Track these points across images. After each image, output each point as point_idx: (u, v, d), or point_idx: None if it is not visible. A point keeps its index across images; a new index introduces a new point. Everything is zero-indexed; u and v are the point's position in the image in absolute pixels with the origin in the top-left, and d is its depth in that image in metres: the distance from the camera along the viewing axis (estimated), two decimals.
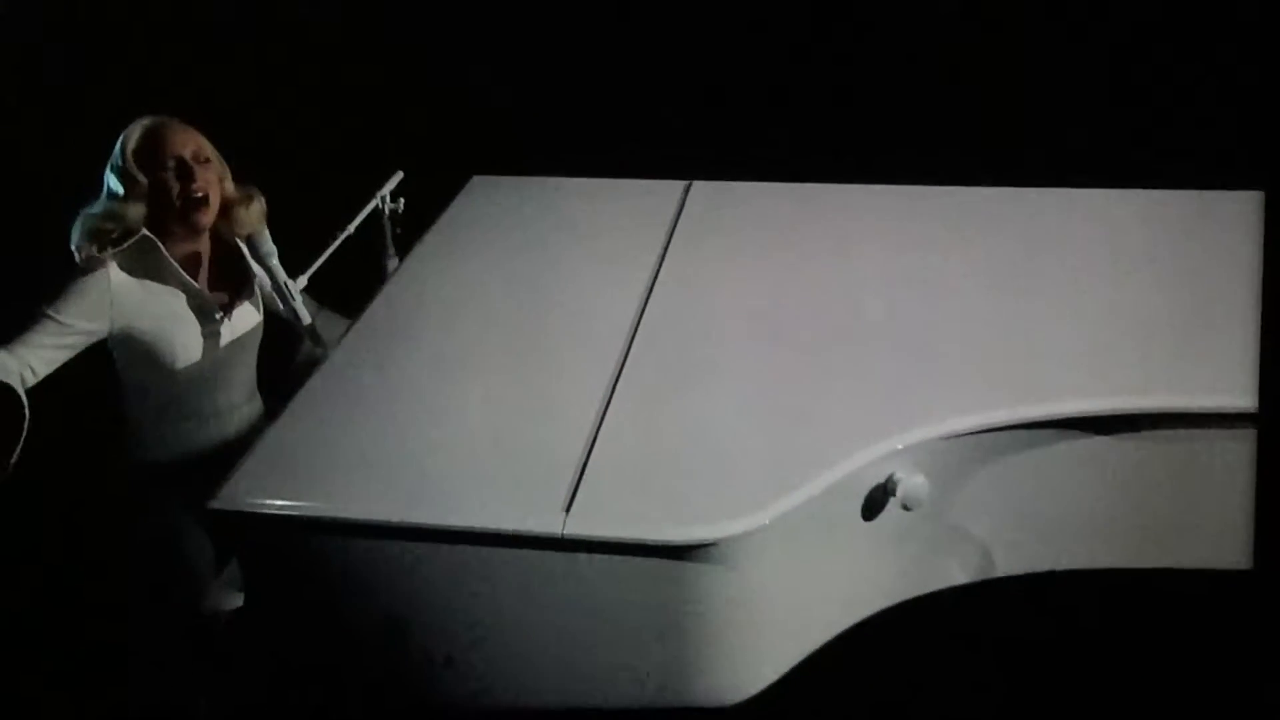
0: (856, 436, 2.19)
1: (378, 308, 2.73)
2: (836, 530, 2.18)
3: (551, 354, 2.51)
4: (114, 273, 2.53)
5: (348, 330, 2.66)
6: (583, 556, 2.02)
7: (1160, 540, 2.36)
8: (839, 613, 2.25)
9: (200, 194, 2.57)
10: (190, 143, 2.59)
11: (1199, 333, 2.45)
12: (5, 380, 2.36)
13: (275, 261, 2.62)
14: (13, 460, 2.32)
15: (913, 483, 2.17)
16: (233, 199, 2.67)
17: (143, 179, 2.55)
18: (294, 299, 2.61)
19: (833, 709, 2.49)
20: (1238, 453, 2.26)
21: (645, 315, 2.61)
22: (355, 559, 2.10)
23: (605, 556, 2.02)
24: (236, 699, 2.31)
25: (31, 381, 2.44)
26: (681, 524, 2.02)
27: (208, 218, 2.61)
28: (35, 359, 2.44)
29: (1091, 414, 2.27)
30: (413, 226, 3.05)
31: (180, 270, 2.59)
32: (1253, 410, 2.07)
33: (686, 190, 3.15)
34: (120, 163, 2.56)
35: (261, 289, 2.74)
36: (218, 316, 2.64)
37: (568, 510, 2.05)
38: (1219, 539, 2.29)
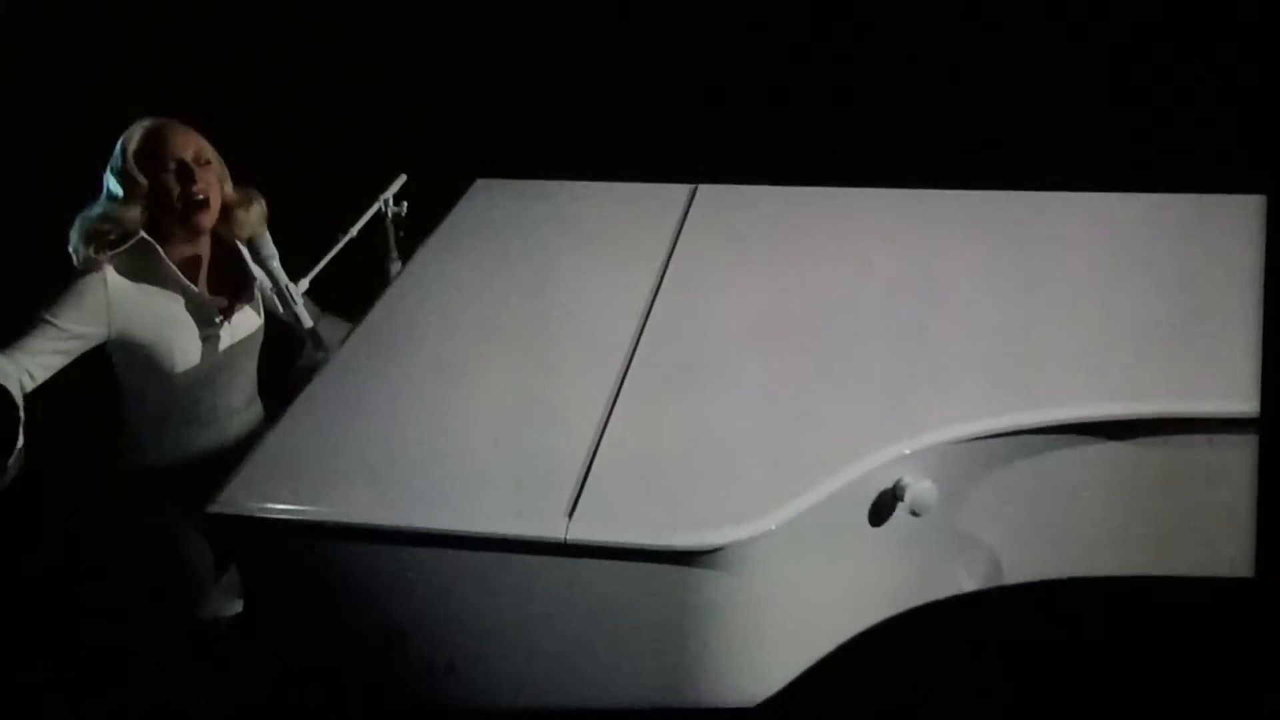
0: (863, 441, 2.18)
1: (380, 311, 2.72)
2: (843, 536, 2.17)
3: (554, 357, 2.50)
4: (112, 276, 2.52)
5: (349, 334, 2.65)
6: (585, 562, 2.00)
7: (1170, 547, 2.35)
8: (846, 620, 2.23)
9: (201, 196, 2.56)
10: (191, 144, 2.58)
11: (1205, 337, 2.44)
12: (3, 384, 2.34)
13: (276, 264, 2.61)
14: (10, 465, 2.31)
15: (921, 488, 2.16)
16: (234, 201, 2.65)
17: (143, 181, 2.54)
18: (295, 302, 2.60)
19: (839, 718, 2.48)
20: (1244, 458, 2.25)
21: (650, 319, 2.60)
22: (355, 564, 2.09)
23: (608, 562, 2.00)
24: (236, 703, 2.29)
25: (30, 386, 2.42)
26: (686, 529, 2.01)
27: (208, 220, 2.60)
28: (33, 364, 2.43)
29: (1103, 419, 2.26)
30: (416, 230, 3.04)
31: (179, 273, 2.58)
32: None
33: (692, 194, 3.15)
34: (120, 164, 2.55)
35: (262, 292, 2.72)
36: (217, 320, 2.62)
37: (570, 515, 2.03)
38: (1226, 545, 2.28)
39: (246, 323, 2.70)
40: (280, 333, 2.77)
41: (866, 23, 3.74)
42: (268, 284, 2.66)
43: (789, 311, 2.62)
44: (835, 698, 2.28)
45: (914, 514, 2.18)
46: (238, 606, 2.24)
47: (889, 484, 2.18)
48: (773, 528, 2.03)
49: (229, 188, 2.65)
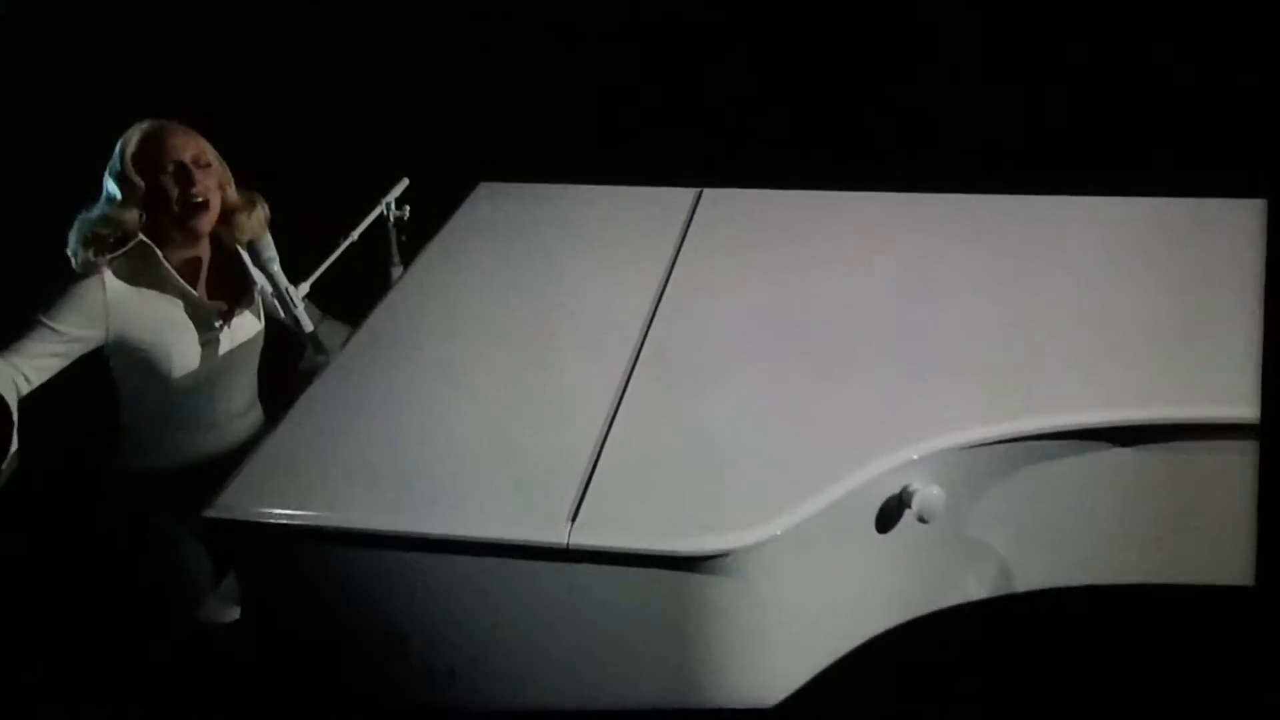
0: (869, 446, 2.16)
1: (381, 314, 2.71)
2: (849, 542, 2.15)
3: (557, 361, 2.48)
4: (110, 279, 2.50)
5: (350, 337, 2.64)
6: (587, 567, 1.98)
7: (1174, 553, 2.33)
8: (852, 626, 2.21)
9: (200, 199, 2.54)
10: (191, 146, 2.56)
11: (1211, 341, 2.43)
12: None
13: (277, 268, 2.59)
14: (3, 469, 2.29)
15: (928, 494, 2.14)
16: (234, 204, 2.64)
17: (141, 183, 2.52)
18: (295, 306, 2.58)
19: None
20: (1247, 465, 2.23)
21: (654, 322, 2.59)
22: (355, 569, 2.07)
23: (611, 567, 1.98)
24: (235, 707, 2.28)
25: (25, 390, 2.40)
26: (690, 534, 1.98)
27: (207, 223, 2.58)
28: (29, 367, 2.41)
29: (1111, 424, 2.24)
30: (418, 234, 3.03)
31: (177, 277, 2.56)
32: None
33: (697, 198, 3.14)
34: (119, 167, 2.53)
35: (263, 296, 2.71)
36: (216, 324, 2.60)
37: (573, 520, 2.01)
38: (1228, 552, 2.26)
39: (247, 327, 2.68)
40: (281, 337, 2.75)
41: (873, 28, 3.75)
42: (268, 287, 2.64)
43: (794, 315, 2.62)
44: (842, 705, 2.26)
45: (921, 520, 2.16)
46: (235, 613, 2.21)
47: (896, 490, 2.16)
48: (778, 533, 2.01)
49: (231, 191, 2.63)
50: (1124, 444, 2.26)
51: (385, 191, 2.98)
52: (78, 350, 2.48)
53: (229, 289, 2.67)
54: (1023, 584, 2.34)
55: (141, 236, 2.52)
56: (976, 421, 2.22)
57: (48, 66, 3.58)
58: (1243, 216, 2.79)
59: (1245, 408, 2.19)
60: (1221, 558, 2.26)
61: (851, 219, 3.03)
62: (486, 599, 2.03)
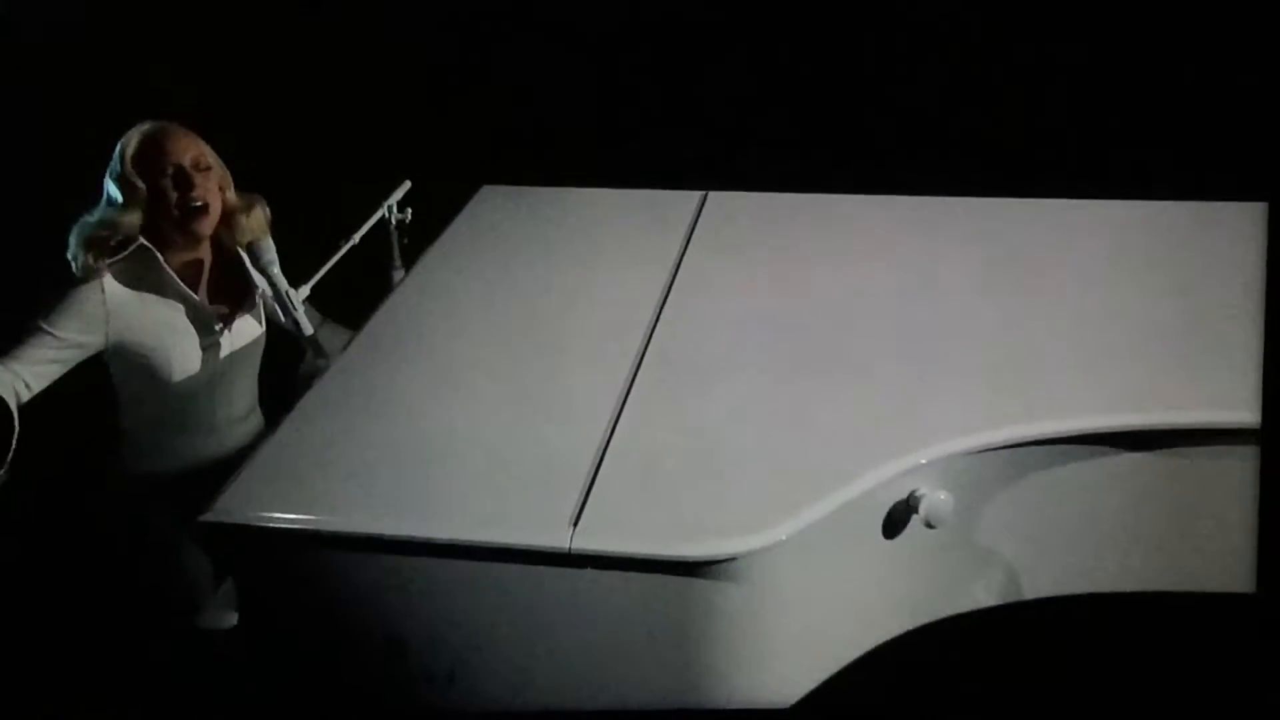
0: (876, 450, 2.15)
1: (382, 317, 2.69)
2: (856, 547, 2.13)
3: (560, 365, 2.47)
4: (110, 284, 2.49)
5: (351, 340, 2.62)
6: (590, 572, 1.96)
7: (1183, 561, 2.32)
8: (859, 633, 2.19)
9: (200, 202, 2.53)
10: (190, 149, 2.55)
11: (1215, 346, 2.42)
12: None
13: (276, 270, 2.57)
14: (1, 475, 2.27)
15: (936, 499, 2.12)
16: (235, 207, 2.63)
17: (141, 186, 2.51)
18: (295, 309, 2.56)
19: None
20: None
21: (658, 325, 2.57)
22: (355, 574, 2.05)
23: (614, 572, 1.96)
24: (234, 713, 2.26)
25: (26, 396, 2.39)
26: (695, 539, 1.96)
27: (207, 226, 2.57)
28: (29, 374, 2.40)
29: (1122, 429, 2.23)
30: (420, 237, 3.02)
31: (178, 281, 2.55)
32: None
33: (703, 201, 3.14)
34: (119, 169, 2.52)
35: (264, 300, 2.69)
36: (217, 328, 2.59)
37: (575, 524, 1.99)
38: (1229, 560, 2.26)
39: (247, 330, 2.67)
40: (282, 342, 2.74)
41: (877, 33, 3.75)
42: (269, 291, 2.62)
43: (799, 319, 2.61)
44: (850, 712, 2.23)
45: (929, 525, 2.14)
46: (233, 619, 2.19)
47: (903, 495, 2.14)
48: (784, 538, 1.99)
49: (231, 193, 2.63)
50: (1134, 449, 2.24)
51: (387, 194, 2.97)
52: (78, 356, 2.47)
53: (230, 292, 2.66)
54: (1031, 591, 2.32)
55: (142, 240, 2.51)
56: (984, 425, 2.20)
57: (48, 67, 3.57)
58: (1244, 220, 2.78)
59: (1247, 413, 2.19)
60: (1223, 564, 2.25)
61: (856, 222, 3.03)
62: (487, 604, 2.01)
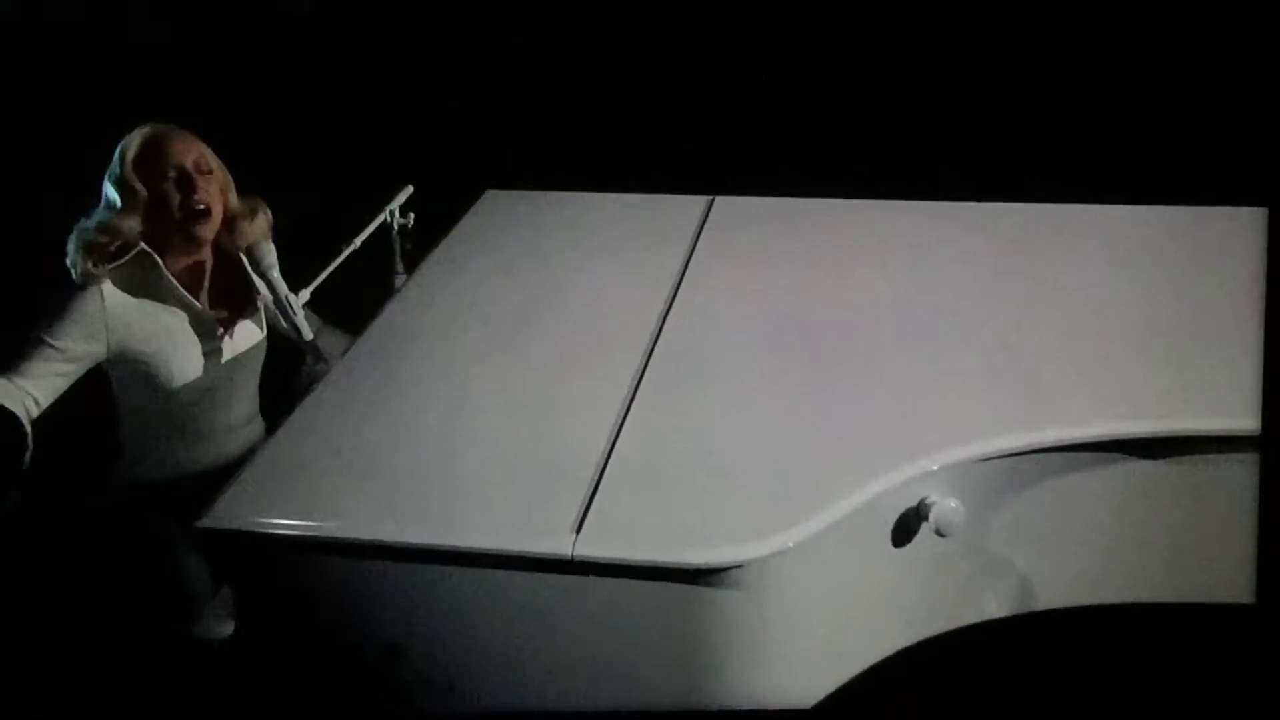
0: (885, 457, 2.12)
1: (383, 321, 2.67)
2: (865, 556, 2.09)
3: (563, 370, 2.45)
4: (109, 290, 2.48)
5: (351, 345, 2.60)
6: (592, 580, 1.93)
7: (1201, 572, 2.28)
8: (867, 644, 2.16)
9: (201, 206, 2.52)
10: (191, 152, 2.54)
11: (1218, 351, 2.41)
12: (9, 407, 2.30)
13: (276, 274, 2.57)
14: (16, 489, 2.26)
15: (946, 507, 2.09)
16: (236, 211, 2.62)
17: (142, 189, 2.50)
18: (295, 314, 2.55)
19: None
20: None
21: (664, 330, 2.55)
22: (353, 581, 2.02)
23: (616, 580, 1.93)
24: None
25: (36, 412, 2.38)
26: (700, 546, 1.93)
27: (208, 231, 2.56)
28: (36, 389, 2.39)
29: (1139, 436, 2.20)
30: (423, 242, 3.00)
31: (178, 286, 2.54)
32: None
33: (709, 206, 3.13)
34: (119, 172, 2.51)
35: (264, 305, 2.67)
36: (218, 334, 2.57)
37: (578, 531, 1.96)
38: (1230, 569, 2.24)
39: (248, 336, 2.66)
40: (283, 348, 2.72)
41: (883, 37, 3.76)
42: (269, 295, 2.61)
43: (806, 323, 2.59)
44: None
45: (940, 534, 2.11)
46: (230, 628, 2.17)
47: (913, 502, 2.11)
48: (790, 545, 1.95)
49: (233, 197, 2.62)
50: (1146, 456, 2.22)
51: (389, 199, 2.95)
52: (83, 366, 2.46)
53: (231, 297, 2.64)
54: (1043, 601, 2.29)
55: (143, 245, 2.49)
56: (994, 431, 2.18)
57: (48, 67, 3.58)
58: (1243, 225, 2.77)
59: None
60: (1224, 574, 2.23)
61: (859, 227, 3.02)
62: (488, 612, 1.98)
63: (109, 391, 2.57)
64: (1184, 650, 2.43)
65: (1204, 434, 2.20)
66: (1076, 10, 3.61)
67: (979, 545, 2.21)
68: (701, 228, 3.01)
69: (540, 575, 1.95)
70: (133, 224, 2.49)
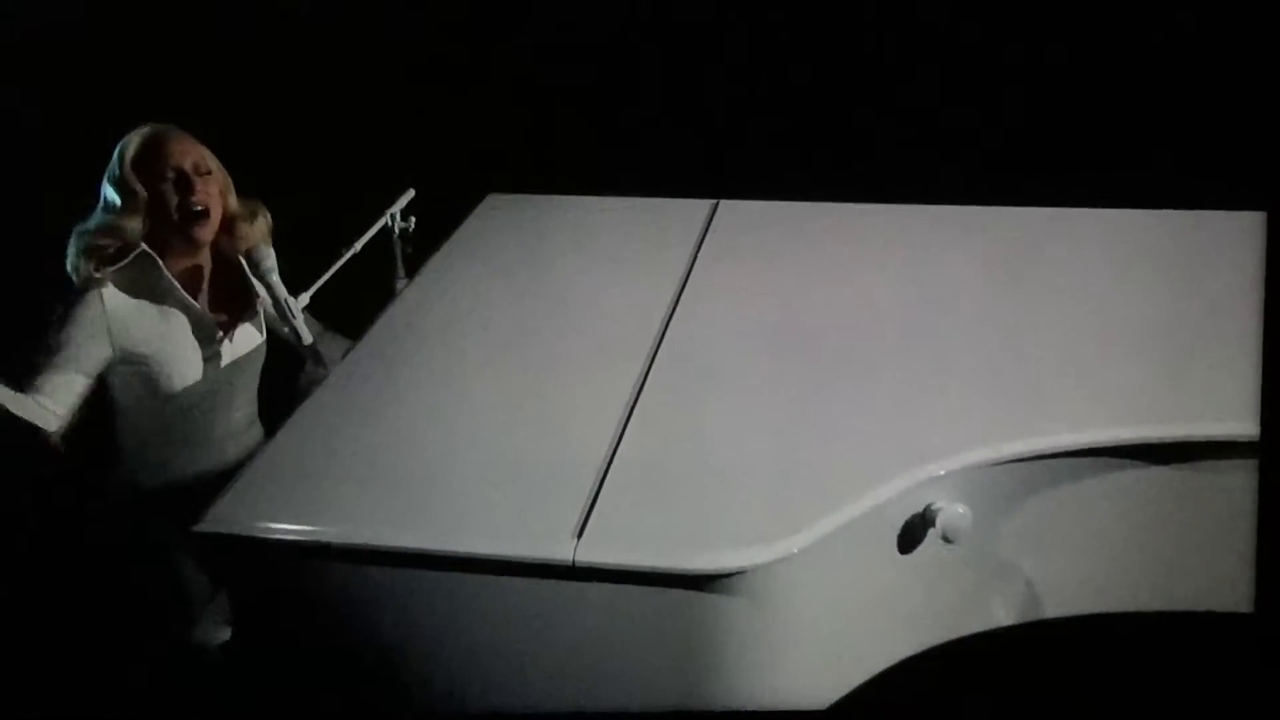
0: (891, 462, 2.11)
1: (383, 325, 2.67)
2: (870, 562, 2.08)
3: (565, 375, 2.44)
4: (110, 293, 2.46)
5: (350, 349, 2.60)
6: (594, 586, 1.92)
7: (1201, 579, 2.28)
8: (872, 652, 2.15)
9: (200, 207, 2.51)
10: (192, 153, 2.53)
11: (1221, 356, 2.40)
12: (35, 422, 2.31)
13: (275, 277, 2.55)
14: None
15: (954, 512, 2.08)
16: (236, 213, 2.61)
17: (141, 190, 2.48)
18: (294, 317, 2.54)
19: None
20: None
21: (667, 334, 2.55)
22: (352, 586, 2.01)
23: (618, 586, 1.92)
24: None
25: (56, 424, 2.37)
26: (703, 551, 1.92)
27: (207, 232, 2.54)
28: (53, 400, 2.37)
29: (1152, 441, 2.19)
30: (425, 246, 2.99)
31: (179, 288, 2.53)
32: None
33: (714, 210, 3.13)
34: (118, 173, 2.49)
35: (264, 309, 2.66)
36: (218, 337, 2.56)
37: (579, 536, 1.95)
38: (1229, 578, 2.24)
39: (248, 340, 2.65)
40: (283, 352, 2.71)
41: (886, 42, 3.76)
42: (268, 299, 2.60)
43: (809, 327, 2.59)
44: None
45: (946, 540, 2.09)
46: (226, 634, 2.17)
47: (919, 508, 2.10)
48: (795, 551, 1.94)
49: (232, 199, 2.61)
50: (1153, 462, 2.21)
51: (390, 201, 2.94)
52: (95, 370, 2.45)
53: (230, 300, 2.63)
54: (1051, 608, 2.28)
55: (144, 246, 2.48)
56: (999, 437, 2.17)
57: (48, 67, 3.57)
58: (1242, 229, 2.77)
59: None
60: (1225, 582, 2.23)
61: (861, 231, 3.03)
62: (488, 618, 1.97)
63: (107, 395, 2.54)
64: (1186, 659, 2.42)
65: (1209, 439, 2.20)
66: (1076, 11, 3.61)
67: (985, 551, 2.20)
68: (705, 232, 3.01)
69: (541, 581, 1.94)
70: (132, 225, 2.47)
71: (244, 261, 2.59)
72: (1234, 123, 3.21)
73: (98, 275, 2.45)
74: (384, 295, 2.90)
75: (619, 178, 3.22)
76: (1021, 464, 2.16)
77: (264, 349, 2.68)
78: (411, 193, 2.98)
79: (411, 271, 2.95)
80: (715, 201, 3.15)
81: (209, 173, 2.53)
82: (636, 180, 3.19)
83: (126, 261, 2.47)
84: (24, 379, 2.37)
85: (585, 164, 3.50)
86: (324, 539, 2.00)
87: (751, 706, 2.00)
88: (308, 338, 2.54)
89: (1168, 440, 2.20)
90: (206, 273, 2.60)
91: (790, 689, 2.04)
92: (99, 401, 2.54)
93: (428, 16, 3.80)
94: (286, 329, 2.57)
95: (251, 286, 2.63)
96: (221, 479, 2.40)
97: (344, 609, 2.02)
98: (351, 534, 2.00)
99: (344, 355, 2.59)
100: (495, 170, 3.39)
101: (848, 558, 2.02)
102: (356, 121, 3.79)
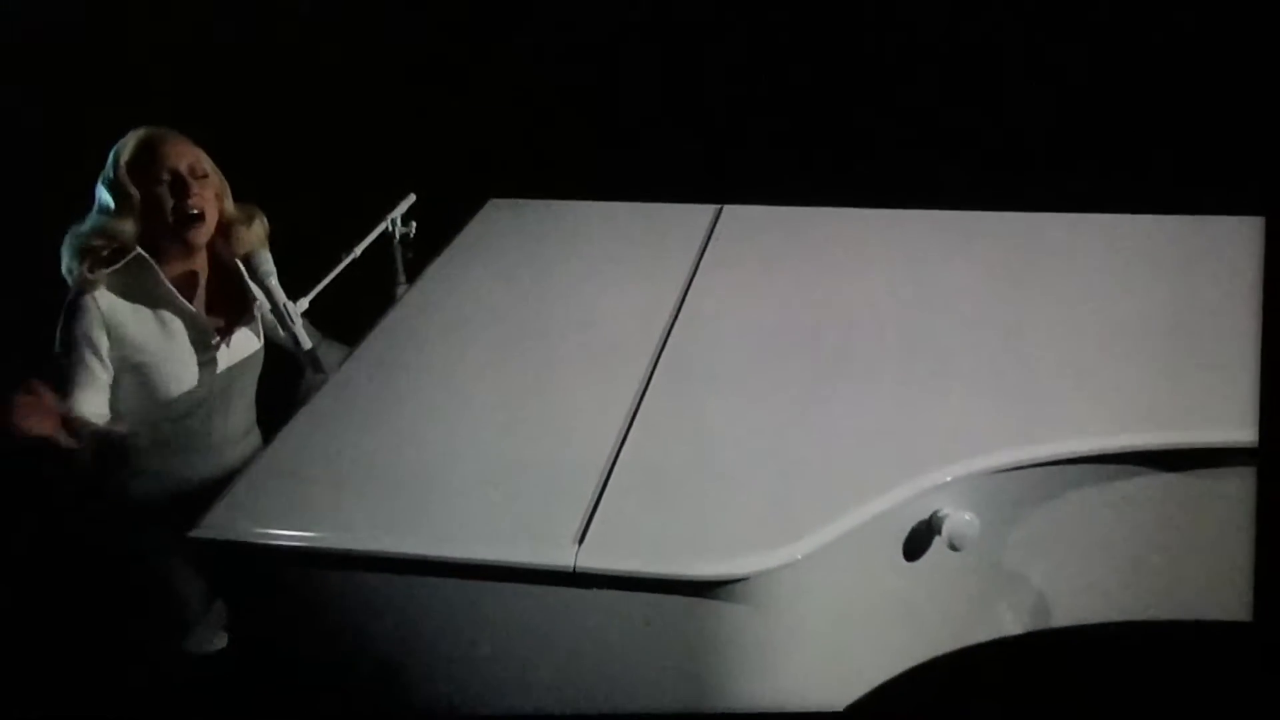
0: (896, 468, 2.10)
1: (384, 330, 2.67)
2: (875, 569, 2.08)
3: (567, 381, 2.44)
4: (104, 295, 2.45)
5: (350, 354, 2.59)
6: (595, 592, 1.91)
7: (1208, 587, 2.27)
8: (877, 660, 2.14)
9: (195, 210, 2.49)
10: (187, 155, 2.51)
11: (1223, 360, 2.40)
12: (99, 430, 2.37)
13: (274, 282, 2.53)
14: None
15: (960, 520, 2.07)
16: (232, 218, 2.59)
17: (136, 193, 2.47)
18: (293, 322, 2.52)
19: None
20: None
21: (669, 339, 2.55)
22: (350, 593, 2.00)
23: (619, 592, 1.91)
24: None
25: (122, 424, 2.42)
26: (706, 557, 1.91)
27: (202, 235, 2.53)
28: (91, 405, 2.40)
29: (1159, 448, 2.19)
30: (426, 251, 2.99)
31: (175, 292, 2.51)
32: None
33: (717, 214, 3.13)
34: (113, 175, 2.48)
35: (262, 314, 2.64)
36: (214, 342, 2.54)
37: (580, 542, 1.94)
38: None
39: (245, 345, 2.63)
40: (281, 358, 2.69)
41: (888, 46, 3.77)
42: (266, 304, 2.58)
43: (812, 333, 2.59)
44: None
45: (952, 547, 2.09)
46: (223, 641, 2.17)
47: (925, 515, 2.10)
48: (799, 557, 1.93)
49: (228, 203, 2.59)
50: (1159, 469, 2.21)
51: (389, 205, 2.93)
52: (115, 363, 2.45)
53: (227, 305, 2.61)
54: (1059, 616, 2.28)
55: (139, 249, 2.47)
56: (1008, 443, 2.16)
57: (48, 67, 3.56)
58: (1241, 234, 2.79)
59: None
60: (1224, 590, 2.22)
61: (863, 236, 3.03)
62: (488, 624, 1.96)
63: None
64: (1187, 668, 2.41)
65: (1209, 446, 2.20)
66: (1078, 14, 3.62)
67: (991, 559, 2.19)
68: (709, 237, 3.02)
69: (541, 587, 1.93)
70: (126, 227, 2.46)
71: (242, 266, 2.58)
72: (1234, 128, 3.22)
73: (92, 276, 2.43)
74: (384, 301, 2.89)
75: (619, 181, 3.23)
76: (1025, 471, 2.16)
77: (261, 355, 2.66)
78: (412, 197, 2.97)
79: (412, 277, 2.94)
80: (719, 206, 3.16)
81: (205, 176, 2.52)
82: (637, 183, 3.20)
83: (121, 264, 2.45)
84: (64, 396, 2.38)
85: (582, 163, 3.51)
86: (323, 545, 2.00)
87: (755, 714, 1.99)
88: (306, 343, 2.52)
89: (1170, 447, 2.19)
90: (203, 277, 2.58)
91: (794, 696, 2.03)
92: None
93: (428, 17, 3.79)
94: (285, 335, 2.55)
95: (248, 291, 2.61)
96: (220, 486, 2.40)
97: (342, 615, 2.01)
98: (350, 540, 1.99)
99: (342, 361, 2.57)
100: (496, 175, 3.40)
101: (852, 564, 2.01)
102: (356, 125, 3.78)
